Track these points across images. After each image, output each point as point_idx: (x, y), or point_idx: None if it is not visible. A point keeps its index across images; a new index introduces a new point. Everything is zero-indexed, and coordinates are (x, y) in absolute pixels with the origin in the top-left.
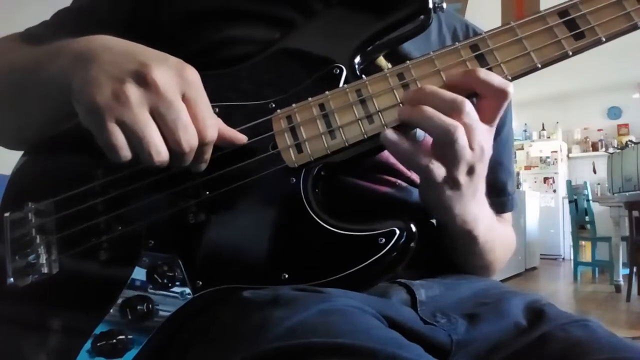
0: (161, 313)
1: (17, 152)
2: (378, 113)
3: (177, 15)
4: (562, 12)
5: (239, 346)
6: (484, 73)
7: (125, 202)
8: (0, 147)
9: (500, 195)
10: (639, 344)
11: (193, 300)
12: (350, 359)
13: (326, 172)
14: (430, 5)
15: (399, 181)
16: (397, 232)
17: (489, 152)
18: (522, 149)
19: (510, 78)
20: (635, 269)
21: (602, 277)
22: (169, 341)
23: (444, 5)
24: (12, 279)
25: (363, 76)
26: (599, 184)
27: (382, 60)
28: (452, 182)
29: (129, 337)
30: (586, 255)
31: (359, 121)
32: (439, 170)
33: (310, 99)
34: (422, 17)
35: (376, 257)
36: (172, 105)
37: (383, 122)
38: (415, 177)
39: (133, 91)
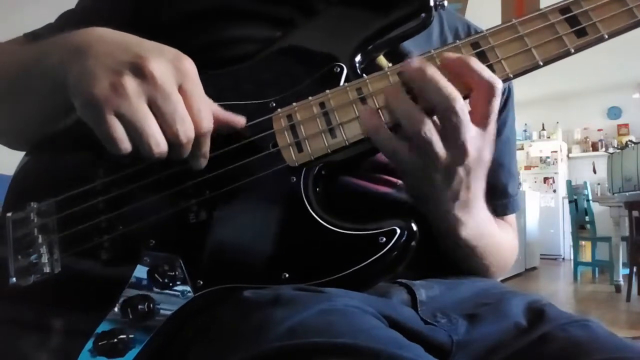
0: (162, 312)
1: (19, 152)
2: (379, 112)
3: (178, 14)
4: (563, 9)
5: (239, 346)
6: (475, 63)
7: (127, 202)
8: (2, 147)
9: (501, 198)
10: (639, 344)
11: (194, 300)
12: (351, 358)
13: (327, 171)
14: (432, 3)
15: (399, 181)
16: (398, 231)
17: (484, 158)
18: (522, 149)
19: (512, 75)
20: (635, 269)
21: (602, 277)
22: (169, 341)
23: (445, 3)
24: (14, 279)
25: (364, 75)
26: (599, 184)
27: (382, 59)
28: (422, 175)
29: (130, 336)
30: (586, 255)
31: (360, 120)
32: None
33: (310, 97)
34: (423, 15)
35: (377, 256)
36: (170, 97)
37: (384, 121)
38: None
39: (131, 83)
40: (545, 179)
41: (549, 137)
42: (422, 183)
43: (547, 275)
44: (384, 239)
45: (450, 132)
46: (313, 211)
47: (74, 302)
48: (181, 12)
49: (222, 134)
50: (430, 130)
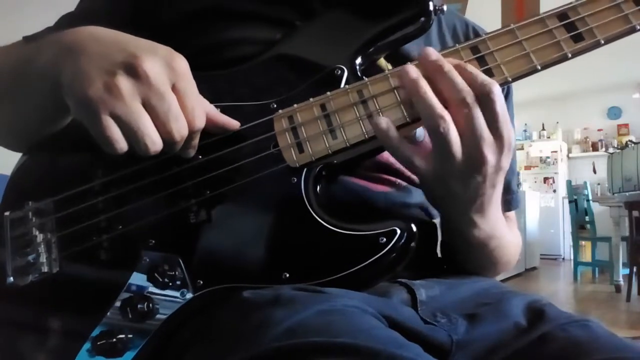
0: (161, 312)
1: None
2: (379, 113)
3: (178, 15)
4: (561, 15)
5: (238, 346)
6: (471, 68)
7: (126, 201)
8: (1, 147)
9: (506, 194)
10: (639, 344)
11: (193, 300)
12: (350, 358)
13: (327, 172)
14: (431, 8)
15: (399, 181)
16: (398, 231)
17: (503, 165)
18: (522, 149)
19: (510, 79)
20: (635, 269)
21: (602, 277)
22: (169, 341)
23: (445, 7)
24: (12, 278)
25: (364, 77)
26: (599, 184)
27: (382, 62)
28: (437, 179)
29: (129, 336)
30: (586, 255)
31: (360, 121)
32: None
33: (311, 99)
34: (422, 19)
35: (377, 256)
36: (164, 97)
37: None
38: (415, 176)
39: (125, 83)
40: (545, 179)
41: (549, 137)
42: (439, 188)
43: (547, 275)
44: (384, 240)
45: (468, 129)
46: (313, 211)
47: (72, 302)
48: (181, 12)
49: (222, 135)
50: (449, 126)
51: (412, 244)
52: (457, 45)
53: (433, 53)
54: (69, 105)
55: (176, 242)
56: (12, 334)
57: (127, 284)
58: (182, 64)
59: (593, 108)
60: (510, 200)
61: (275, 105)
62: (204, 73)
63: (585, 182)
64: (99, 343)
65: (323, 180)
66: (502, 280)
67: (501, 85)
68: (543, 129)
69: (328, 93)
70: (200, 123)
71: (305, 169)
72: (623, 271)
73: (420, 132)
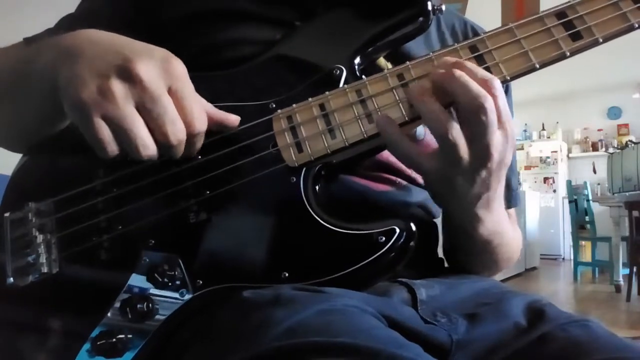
0: (161, 312)
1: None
2: (378, 113)
3: (178, 15)
4: (559, 14)
5: (238, 346)
6: (470, 65)
7: (126, 202)
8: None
9: (506, 191)
10: (639, 344)
11: (193, 300)
12: (350, 358)
13: (326, 171)
14: (430, 8)
15: (399, 180)
16: (397, 231)
17: (506, 160)
18: (522, 149)
19: (508, 78)
20: (635, 269)
21: (602, 277)
22: (168, 341)
23: (443, 7)
24: (11, 279)
25: (363, 77)
26: (599, 184)
27: (382, 61)
28: (444, 175)
29: (129, 336)
30: (586, 255)
31: (359, 121)
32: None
33: (310, 99)
34: (421, 19)
35: (376, 255)
36: (158, 100)
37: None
38: (415, 175)
39: (118, 87)
40: (545, 179)
41: (549, 137)
42: (444, 186)
43: (547, 275)
44: (383, 239)
45: (477, 134)
46: (313, 211)
47: (72, 302)
48: (181, 13)
49: (221, 134)
50: (457, 132)
51: (412, 244)
52: (455, 44)
53: (441, 62)
54: (64, 107)
55: (176, 242)
56: (12, 334)
57: (127, 285)
58: (178, 66)
59: (593, 108)
60: (511, 198)
61: (274, 105)
62: (203, 74)
63: (585, 182)
64: (98, 343)
65: (322, 179)
66: (502, 280)
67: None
68: (543, 129)
69: (327, 93)
70: (200, 125)
71: (304, 169)
72: (623, 271)
73: (420, 130)
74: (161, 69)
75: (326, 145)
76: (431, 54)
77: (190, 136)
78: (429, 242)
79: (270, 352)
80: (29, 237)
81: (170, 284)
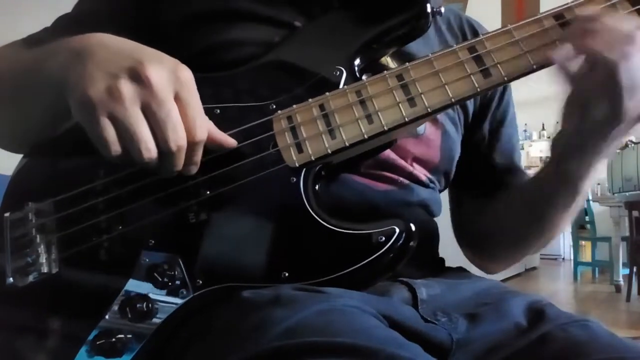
0: (161, 312)
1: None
2: (377, 113)
3: (178, 16)
4: (557, 16)
5: (238, 346)
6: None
7: (126, 202)
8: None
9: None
10: (639, 344)
11: (193, 300)
12: (350, 358)
13: (326, 171)
14: (429, 10)
15: (401, 178)
16: (397, 231)
17: None
18: (522, 149)
19: (506, 79)
20: (635, 269)
21: (602, 277)
22: (168, 340)
23: (442, 9)
24: (11, 279)
25: (364, 77)
26: (599, 184)
27: (384, 60)
28: (603, 127)
29: (128, 336)
30: (586, 255)
31: (359, 121)
32: (599, 106)
33: (310, 99)
34: (421, 21)
35: (376, 255)
36: (164, 104)
37: (383, 123)
38: (417, 172)
39: (126, 87)
40: None
41: (549, 137)
42: (598, 136)
43: (547, 275)
44: (383, 239)
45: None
46: (313, 211)
47: (71, 302)
48: (181, 13)
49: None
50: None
51: (411, 244)
52: (454, 45)
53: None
54: (70, 106)
55: (176, 242)
56: (11, 334)
57: (126, 285)
58: (186, 74)
59: None
60: None
61: (274, 106)
62: (204, 75)
63: None
64: (98, 343)
65: (323, 180)
66: (502, 280)
67: (499, 85)
68: (543, 129)
69: (327, 93)
70: (200, 135)
71: (304, 169)
72: (623, 271)
73: (421, 127)
74: (170, 75)
75: (326, 145)
76: (430, 55)
77: (191, 144)
78: (429, 241)
79: (270, 352)
80: (29, 237)
81: (170, 283)
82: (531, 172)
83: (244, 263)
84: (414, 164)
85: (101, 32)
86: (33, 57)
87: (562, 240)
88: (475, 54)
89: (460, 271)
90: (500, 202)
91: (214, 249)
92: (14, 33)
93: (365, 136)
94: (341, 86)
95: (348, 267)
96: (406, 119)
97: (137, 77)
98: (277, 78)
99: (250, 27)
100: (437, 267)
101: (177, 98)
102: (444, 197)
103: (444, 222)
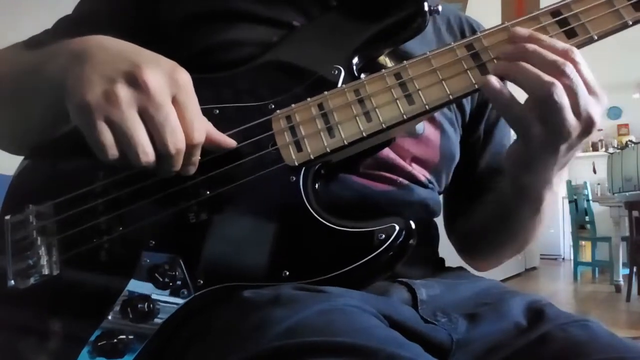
0: (162, 312)
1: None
2: (376, 112)
3: (178, 16)
4: (554, 12)
5: (238, 346)
6: (546, 38)
7: (126, 203)
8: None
9: None
10: (639, 344)
11: (194, 300)
12: (350, 358)
13: (326, 170)
14: (426, 9)
15: (400, 179)
16: (397, 228)
17: (597, 123)
18: None
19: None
20: (635, 269)
21: (602, 277)
22: (169, 341)
23: (440, 7)
24: (12, 281)
25: (362, 75)
26: (599, 184)
27: (381, 58)
28: (548, 145)
29: (130, 337)
30: (586, 255)
31: (357, 120)
32: (535, 128)
33: (309, 99)
34: (418, 20)
35: (376, 253)
36: (161, 108)
37: (381, 121)
38: (416, 172)
39: (123, 91)
40: None
41: None
42: (544, 152)
43: (547, 275)
44: (383, 236)
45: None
46: (313, 210)
47: (73, 304)
48: (181, 14)
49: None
50: (562, 93)
51: (411, 242)
52: (452, 43)
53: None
54: (68, 109)
55: (176, 243)
56: (13, 336)
57: (127, 286)
58: (184, 76)
59: None
60: None
61: (273, 106)
62: (203, 75)
63: (585, 182)
64: (99, 344)
65: (322, 179)
66: (502, 280)
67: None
68: None
69: (325, 93)
70: (199, 137)
71: (303, 168)
72: (623, 271)
73: (420, 126)
74: (167, 78)
75: (325, 144)
76: (428, 53)
77: (189, 147)
78: (429, 241)
79: (270, 351)
80: (30, 239)
81: (171, 284)
82: None
83: (245, 262)
84: (413, 164)
85: (101, 33)
86: (33, 59)
87: (562, 240)
88: (473, 52)
89: (460, 271)
90: (484, 203)
91: (215, 248)
92: (14, 33)
93: (364, 134)
94: (339, 85)
95: (348, 265)
96: (404, 117)
97: (134, 81)
98: (275, 78)
99: (250, 28)
100: (437, 267)
101: (175, 101)
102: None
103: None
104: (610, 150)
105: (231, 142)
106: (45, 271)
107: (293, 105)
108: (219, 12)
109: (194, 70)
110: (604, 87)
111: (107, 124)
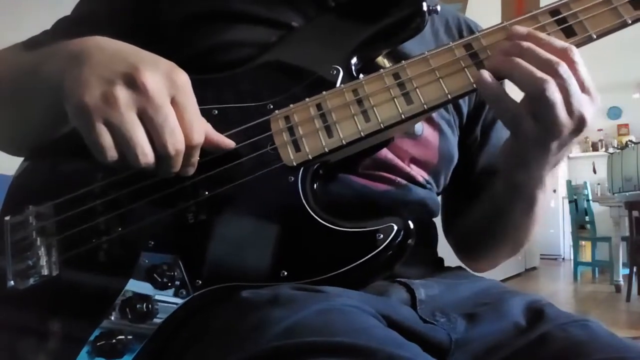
0: (161, 313)
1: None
2: (374, 112)
3: (178, 17)
4: (553, 11)
5: (237, 346)
6: (544, 35)
7: (125, 203)
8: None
9: None
10: (639, 344)
11: (192, 300)
12: (349, 358)
13: (325, 170)
14: (425, 9)
15: (398, 179)
16: (395, 228)
17: (589, 123)
18: None
19: None
20: (635, 269)
21: (602, 277)
22: (168, 341)
23: (438, 7)
24: (12, 282)
25: (361, 75)
26: (599, 184)
27: (379, 59)
28: (540, 142)
29: (129, 337)
30: (586, 255)
31: (356, 120)
32: (527, 124)
33: (307, 99)
34: (417, 20)
35: (374, 253)
36: (160, 109)
37: (379, 121)
38: (414, 173)
39: (122, 93)
40: None
41: None
42: (535, 150)
43: (547, 275)
44: (381, 236)
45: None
46: (311, 210)
47: (72, 304)
48: (180, 14)
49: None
50: (554, 90)
51: (410, 241)
52: (450, 43)
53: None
54: (67, 111)
55: (175, 243)
56: (12, 336)
57: (126, 286)
58: (183, 78)
59: None
60: None
61: (271, 106)
62: (202, 76)
63: (585, 182)
64: (99, 344)
65: (321, 179)
66: (502, 280)
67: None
68: None
69: (324, 93)
70: (198, 138)
71: (302, 168)
72: (623, 271)
73: (419, 127)
74: (166, 79)
75: (323, 144)
76: (426, 52)
77: (188, 148)
78: (428, 241)
79: (269, 352)
80: (29, 240)
81: (169, 284)
82: None
83: (243, 262)
84: (412, 165)
85: (101, 34)
86: (32, 60)
87: (562, 240)
88: (471, 51)
89: (459, 271)
90: (479, 203)
91: (213, 249)
92: (14, 33)
93: (362, 134)
94: (338, 85)
95: (347, 265)
96: (403, 117)
97: (133, 82)
98: (274, 78)
99: (249, 28)
100: (436, 267)
101: (174, 102)
102: None
103: None
104: (610, 150)
105: (230, 143)
106: (45, 272)
107: (291, 105)
108: (219, 13)
109: (193, 70)
110: (604, 87)
111: (106, 126)
